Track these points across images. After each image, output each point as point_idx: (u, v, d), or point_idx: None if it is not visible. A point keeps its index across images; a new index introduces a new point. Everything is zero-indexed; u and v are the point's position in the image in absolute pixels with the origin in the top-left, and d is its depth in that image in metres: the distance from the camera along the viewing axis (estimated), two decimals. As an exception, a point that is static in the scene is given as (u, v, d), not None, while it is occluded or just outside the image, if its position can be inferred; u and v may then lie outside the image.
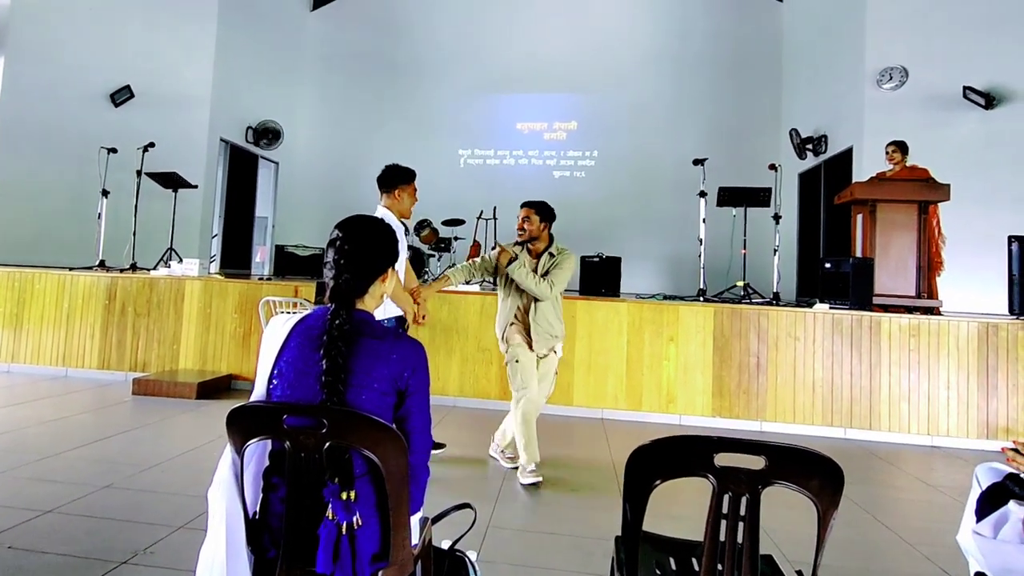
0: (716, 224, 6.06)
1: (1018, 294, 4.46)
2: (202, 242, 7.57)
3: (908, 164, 5.13)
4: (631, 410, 4.60)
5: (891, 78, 6.39)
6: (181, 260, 5.83)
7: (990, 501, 1.89)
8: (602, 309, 4.72)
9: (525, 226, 3.24)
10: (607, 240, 8.18)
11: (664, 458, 1.26)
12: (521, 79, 9.45)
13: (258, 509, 1.25)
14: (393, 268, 1.40)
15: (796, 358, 4.47)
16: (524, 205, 3.27)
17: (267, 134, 8.60)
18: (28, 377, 5.10)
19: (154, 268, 5.91)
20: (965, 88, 6.13)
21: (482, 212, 7.77)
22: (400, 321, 3.13)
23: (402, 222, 3.15)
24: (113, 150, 6.32)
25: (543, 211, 3.26)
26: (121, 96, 7.67)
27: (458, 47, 9.63)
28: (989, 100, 6.10)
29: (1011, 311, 4.55)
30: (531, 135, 9.64)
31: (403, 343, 1.28)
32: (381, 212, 3.08)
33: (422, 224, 7.35)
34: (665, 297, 5.31)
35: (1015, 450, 1.68)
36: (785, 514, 2.61)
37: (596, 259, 6.34)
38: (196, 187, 6.84)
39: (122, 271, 5.62)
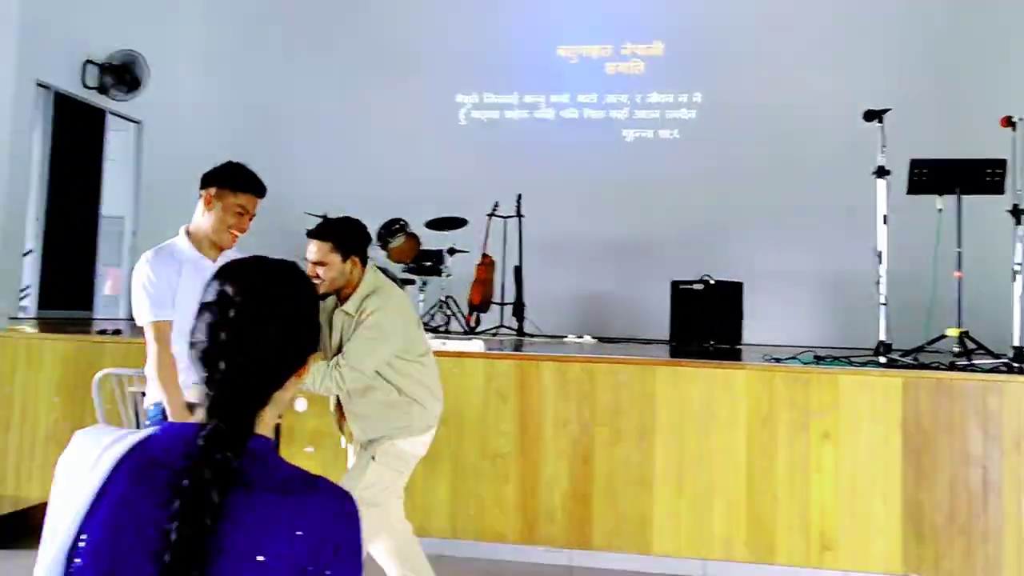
0: (909, 224, 5.97)
1: None
2: (4, 266, 7.52)
3: None
4: (757, 562, 4.66)
5: None
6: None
7: None
8: (700, 381, 4.79)
9: (320, 274, 3.39)
10: (719, 252, 8.25)
11: None
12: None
13: None
14: (314, 353, 1.48)
15: (1056, 469, 4.51)
16: (309, 235, 3.51)
17: (123, 73, 8.62)
18: None
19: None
20: None
21: (497, 205, 7.78)
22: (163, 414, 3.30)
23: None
24: None
25: (343, 242, 3.42)
26: None
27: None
28: None
29: None
30: (583, 66, 9.81)
31: (318, 499, 1.28)
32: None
33: (392, 229, 7.37)
34: (817, 359, 5.33)
35: None
36: None
37: (699, 287, 6.28)
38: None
39: None
